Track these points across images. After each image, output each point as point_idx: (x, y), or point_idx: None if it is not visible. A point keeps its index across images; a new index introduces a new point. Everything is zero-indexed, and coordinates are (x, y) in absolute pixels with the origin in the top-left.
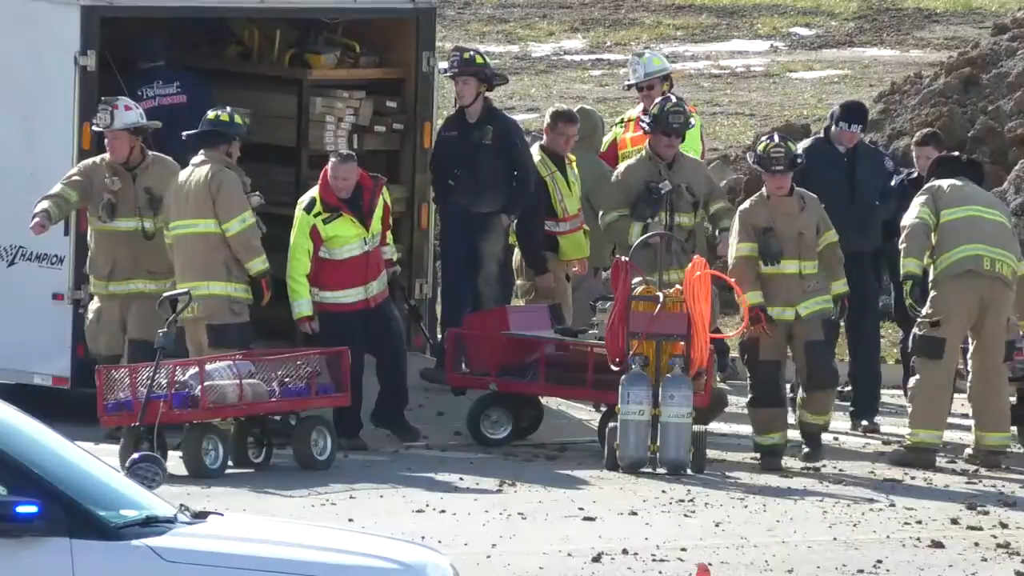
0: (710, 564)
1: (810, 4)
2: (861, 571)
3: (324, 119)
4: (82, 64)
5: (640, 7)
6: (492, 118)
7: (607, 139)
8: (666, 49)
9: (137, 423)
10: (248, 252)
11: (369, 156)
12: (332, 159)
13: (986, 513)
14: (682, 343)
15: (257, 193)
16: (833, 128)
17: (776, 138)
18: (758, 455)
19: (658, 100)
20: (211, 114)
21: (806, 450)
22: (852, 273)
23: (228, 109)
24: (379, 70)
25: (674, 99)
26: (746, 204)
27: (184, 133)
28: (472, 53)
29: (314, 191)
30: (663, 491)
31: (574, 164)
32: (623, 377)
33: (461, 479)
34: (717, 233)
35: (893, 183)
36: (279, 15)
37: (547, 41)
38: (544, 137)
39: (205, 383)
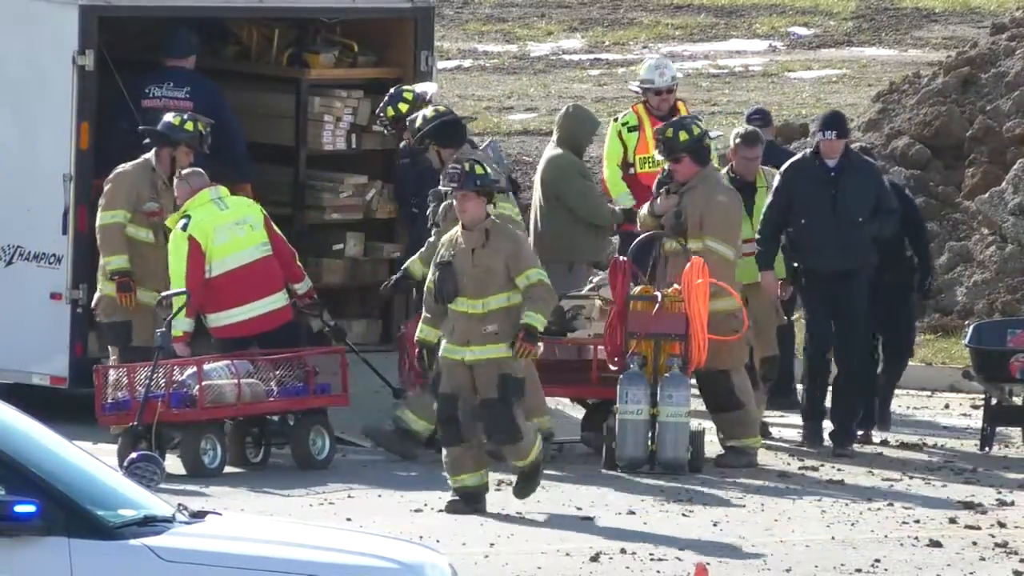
0: (708, 563)
1: (808, 3)
2: (859, 570)
3: (322, 118)
4: (80, 63)
5: (638, 7)
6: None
7: (631, 143)
8: (664, 49)
9: (135, 423)
10: (103, 247)
11: (367, 155)
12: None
13: (984, 512)
14: (680, 342)
15: (152, 199)
16: (819, 138)
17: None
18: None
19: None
20: (172, 117)
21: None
22: (838, 294)
23: (186, 115)
24: (377, 69)
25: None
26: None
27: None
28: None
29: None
30: (661, 490)
31: (761, 180)
32: (621, 376)
33: None
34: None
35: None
36: (277, 15)
37: (545, 41)
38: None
39: (203, 383)
